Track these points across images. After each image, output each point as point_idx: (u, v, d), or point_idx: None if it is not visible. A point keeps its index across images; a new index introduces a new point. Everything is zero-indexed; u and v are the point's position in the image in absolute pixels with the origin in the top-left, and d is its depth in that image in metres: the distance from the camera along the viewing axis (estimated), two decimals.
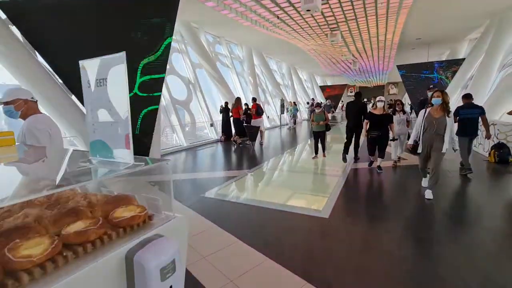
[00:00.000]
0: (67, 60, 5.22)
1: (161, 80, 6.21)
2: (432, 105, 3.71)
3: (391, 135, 5.36)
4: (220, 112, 10.95)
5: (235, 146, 9.29)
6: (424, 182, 4.16)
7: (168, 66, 10.37)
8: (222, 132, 10.93)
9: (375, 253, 2.50)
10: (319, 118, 6.34)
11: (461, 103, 5.10)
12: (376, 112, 5.13)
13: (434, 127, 3.58)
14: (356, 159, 6.28)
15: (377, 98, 5.22)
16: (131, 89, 6.21)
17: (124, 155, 1.22)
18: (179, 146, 9.26)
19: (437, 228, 3.03)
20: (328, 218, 3.22)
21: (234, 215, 3.48)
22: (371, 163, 5.59)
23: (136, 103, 6.28)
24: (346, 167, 5.75)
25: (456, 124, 4.75)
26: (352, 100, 6.41)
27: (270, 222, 3.26)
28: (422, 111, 3.82)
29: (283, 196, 4.21)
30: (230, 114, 10.51)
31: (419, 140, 3.76)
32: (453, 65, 14.76)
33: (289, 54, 17.22)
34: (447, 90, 15.08)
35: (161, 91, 6.38)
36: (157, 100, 6.42)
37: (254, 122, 9.26)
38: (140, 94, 6.21)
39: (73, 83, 5.50)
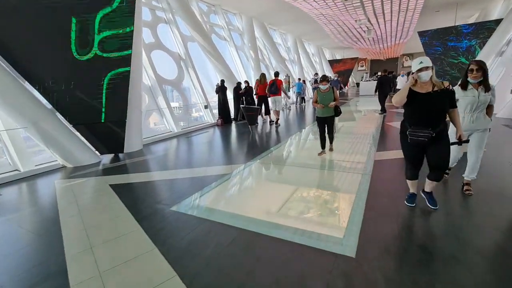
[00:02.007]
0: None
1: (130, 35, 5.18)
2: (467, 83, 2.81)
3: (451, 132, 2.69)
4: (216, 92, 9.61)
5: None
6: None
7: (152, 39, 9.00)
8: (219, 114, 9.66)
9: None
10: (325, 99, 4.51)
11: (495, 73, 3.95)
12: (421, 89, 2.43)
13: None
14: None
15: (417, 62, 2.36)
16: (88, 48, 4.87)
17: None
18: (169, 132, 8.08)
19: None
20: (356, 258, 2.02)
21: (208, 249, 2.32)
22: (411, 197, 2.84)
23: (98, 66, 5.03)
24: (367, 166, 4.46)
25: None
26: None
27: (261, 262, 2.09)
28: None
29: (280, 213, 3.01)
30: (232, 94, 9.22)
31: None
32: (485, 28, 12.67)
33: (295, 23, 15.33)
34: (478, 58, 13.28)
35: (131, 48, 5.26)
36: (127, 61, 5.27)
37: (274, 100, 8.51)
38: (102, 54, 5.02)
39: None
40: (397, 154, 4.68)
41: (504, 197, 2.90)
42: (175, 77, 9.03)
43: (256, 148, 6.00)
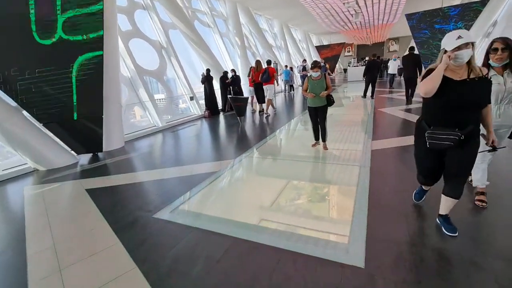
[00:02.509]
0: None
1: (99, 13, 4.56)
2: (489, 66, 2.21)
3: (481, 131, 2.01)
4: (202, 82, 9.13)
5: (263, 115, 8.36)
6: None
7: (129, 27, 8.34)
8: (206, 106, 9.21)
9: None
10: (317, 87, 4.09)
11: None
12: (453, 75, 1.82)
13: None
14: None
15: (453, 37, 1.72)
16: (51, 31, 4.26)
17: None
18: (153, 127, 7.62)
19: None
20: (366, 269, 1.78)
21: (196, 266, 2.03)
22: (420, 192, 2.51)
23: (64, 51, 4.41)
24: (365, 158, 4.24)
25: None
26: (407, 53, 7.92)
27: (259, 280, 1.83)
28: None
29: (277, 216, 2.75)
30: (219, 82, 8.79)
31: None
32: (471, 10, 12.54)
33: (281, 7, 14.77)
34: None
35: (102, 29, 4.66)
36: (99, 44, 4.64)
37: (268, 88, 8.23)
38: (68, 37, 4.38)
39: None
40: (394, 142, 4.48)
41: None
42: (156, 67, 8.46)
43: (246, 141, 5.68)
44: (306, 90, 4.24)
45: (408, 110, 7.14)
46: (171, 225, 2.53)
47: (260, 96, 8.60)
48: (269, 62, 8.62)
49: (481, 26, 11.99)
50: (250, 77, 8.87)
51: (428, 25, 13.62)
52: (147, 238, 2.33)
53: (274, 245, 2.09)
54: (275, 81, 8.57)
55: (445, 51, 1.79)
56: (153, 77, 8.39)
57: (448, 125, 1.83)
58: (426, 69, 1.90)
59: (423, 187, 2.45)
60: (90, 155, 5.32)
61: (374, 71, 9.46)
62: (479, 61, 2.06)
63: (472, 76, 1.77)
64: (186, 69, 9.49)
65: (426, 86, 1.81)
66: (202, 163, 4.33)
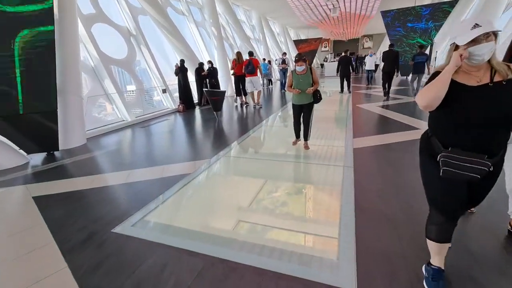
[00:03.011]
0: None
1: None
2: None
3: None
4: (176, 74, 8.56)
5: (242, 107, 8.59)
6: None
7: (92, 10, 7.50)
8: (180, 99, 8.67)
9: None
10: (302, 83, 3.76)
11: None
12: (467, 79, 1.31)
13: None
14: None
15: (468, 26, 1.23)
16: None
17: None
18: (121, 121, 6.99)
19: None
20: None
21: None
22: (435, 274, 1.54)
23: (2, 25, 3.65)
24: (347, 155, 4.09)
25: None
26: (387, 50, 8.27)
27: None
28: None
29: (256, 228, 2.49)
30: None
31: None
32: (441, 10, 12.99)
33: None
34: (435, 40, 13.68)
35: None
36: (48, 16, 3.88)
37: (250, 81, 8.15)
38: (5, 7, 3.58)
39: None
40: (376, 140, 4.38)
41: None
42: (124, 56, 7.76)
43: (223, 138, 5.34)
44: (291, 86, 3.88)
45: (386, 107, 7.18)
46: (133, 241, 2.15)
47: (242, 89, 8.52)
48: (251, 54, 8.43)
49: (450, 27, 12.47)
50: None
51: (401, 23, 13.96)
52: (102, 261, 1.94)
53: (254, 265, 1.82)
54: (259, 72, 8.52)
55: (456, 46, 1.30)
56: (121, 66, 7.69)
57: (467, 148, 1.31)
58: (432, 72, 1.41)
59: (432, 260, 1.58)
60: (44, 154, 4.68)
61: (347, 67, 9.60)
62: (499, 57, 1.54)
63: (497, 79, 1.26)
64: (158, 59, 8.85)
65: (426, 96, 1.31)
66: (174, 163, 3.93)
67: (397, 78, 12.50)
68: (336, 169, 3.43)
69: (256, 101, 8.36)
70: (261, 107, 8.30)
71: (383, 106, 7.25)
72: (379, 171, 3.29)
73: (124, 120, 7.08)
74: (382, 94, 8.49)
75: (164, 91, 8.51)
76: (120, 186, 3.27)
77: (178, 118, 7.54)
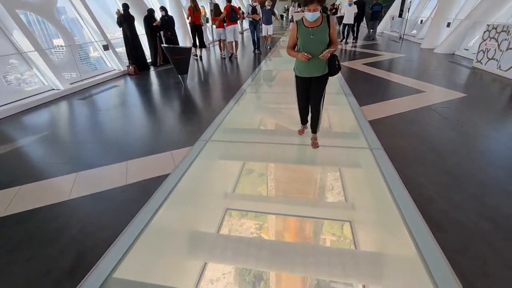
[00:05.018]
0: None
1: None
2: None
3: None
4: (119, 24, 6.59)
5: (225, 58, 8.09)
6: None
7: None
8: (129, 59, 6.86)
9: None
10: (315, 41, 2.33)
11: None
12: None
13: None
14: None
15: None
16: None
17: None
18: (50, 90, 5.20)
19: None
20: None
21: None
22: None
23: None
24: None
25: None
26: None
27: None
28: None
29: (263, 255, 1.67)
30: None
31: None
32: None
33: None
34: None
35: None
36: None
37: (233, 29, 7.69)
38: None
39: None
40: (387, 108, 3.72)
41: None
42: None
43: (198, 114, 4.15)
44: (294, 48, 2.48)
45: (372, 64, 6.53)
46: None
47: (200, 40, 8.05)
48: (230, 0, 7.71)
49: None
50: (217, 18, 7.71)
51: None
52: None
53: None
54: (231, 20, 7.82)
55: None
56: (37, 13, 5.52)
57: None
58: None
59: None
60: None
61: (361, 12, 9.66)
62: None
63: None
64: (93, 5, 6.63)
65: None
66: (142, 155, 2.78)
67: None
68: (361, 152, 2.69)
69: (235, 51, 8.10)
70: (236, 57, 8.23)
71: (369, 64, 6.59)
72: (415, 153, 2.64)
73: (54, 89, 5.29)
74: (360, 50, 7.91)
75: (105, 47, 6.57)
76: (34, 213, 2.09)
77: (131, 85, 5.94)
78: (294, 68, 2.61)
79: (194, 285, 1.45)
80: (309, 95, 2.65)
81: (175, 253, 1.69)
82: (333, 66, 2.43)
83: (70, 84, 5.52)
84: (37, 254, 1.67)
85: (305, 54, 2.31)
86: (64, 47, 5.95)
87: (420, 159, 2.53)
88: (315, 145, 2.83)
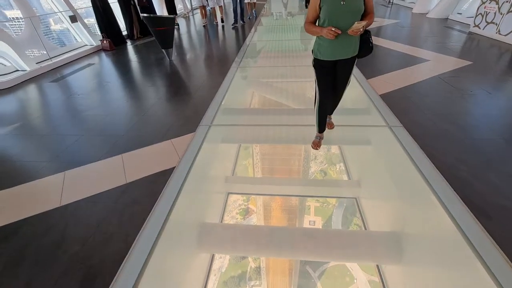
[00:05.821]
0: None
1: None
2: None
3: None
4: None
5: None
6: None
7: None
8: (102, 32, 6.09)
9: None
10: (345, 13, 1.71)
11: None
12: None
13: None
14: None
15: None
16: None
17: None
18: (14, 72, 4.53)
19: None
20: None
21: None
22: None
23: None
24: None
25: None
26: None
27: None
28: None
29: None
30: None
31: None
32: None
33: None
34: None
35: None
36: None
37: None
38: None
39: None
40: (395, 80, 3.51)
41: None
42: None
43: (192, 94, 3.74)
44: (315, 22, 1.88)
45: None
46: None
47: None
48: None
49: None
50: None
51: None
52: None
53: None
54: None
55: None
56: None
57: None
58: None
59: None
60: None
61: None
62: None
63: None
64: None
65: None
66: (137, 147, 2.45)
67: None
68: (381, 132, 2.51)
69: (220, 16, 7.72)
70: (223, 24, 7.92)
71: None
72: (436, 129, 2.49)
73: (18, 70, 4.61)
74: None
75: (73, 18, 5.73)
76: (54, 217, 1.79)
77: (108, 62, 5.30)
78: (313, 50, 2.00)
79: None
80: (333, 83, 2.09)
81: (186, 246, 1.49)
82: (367, 45, 1.90)
83: (37, 63, 4.83)
84: (36, 276, 1.39)
85: (333, 28, 1.70)
86: (22, 19, 5.11)
87: (444, 136, 2.39)
88: (330, 125, 2.59)
